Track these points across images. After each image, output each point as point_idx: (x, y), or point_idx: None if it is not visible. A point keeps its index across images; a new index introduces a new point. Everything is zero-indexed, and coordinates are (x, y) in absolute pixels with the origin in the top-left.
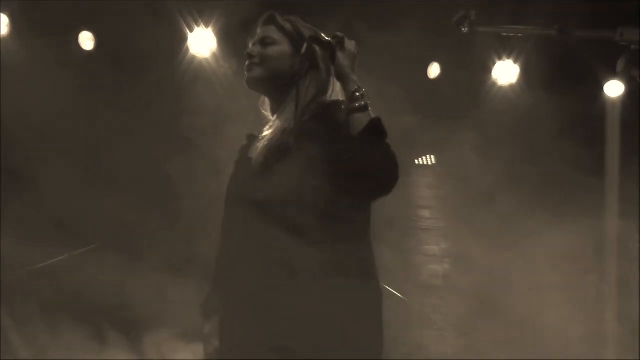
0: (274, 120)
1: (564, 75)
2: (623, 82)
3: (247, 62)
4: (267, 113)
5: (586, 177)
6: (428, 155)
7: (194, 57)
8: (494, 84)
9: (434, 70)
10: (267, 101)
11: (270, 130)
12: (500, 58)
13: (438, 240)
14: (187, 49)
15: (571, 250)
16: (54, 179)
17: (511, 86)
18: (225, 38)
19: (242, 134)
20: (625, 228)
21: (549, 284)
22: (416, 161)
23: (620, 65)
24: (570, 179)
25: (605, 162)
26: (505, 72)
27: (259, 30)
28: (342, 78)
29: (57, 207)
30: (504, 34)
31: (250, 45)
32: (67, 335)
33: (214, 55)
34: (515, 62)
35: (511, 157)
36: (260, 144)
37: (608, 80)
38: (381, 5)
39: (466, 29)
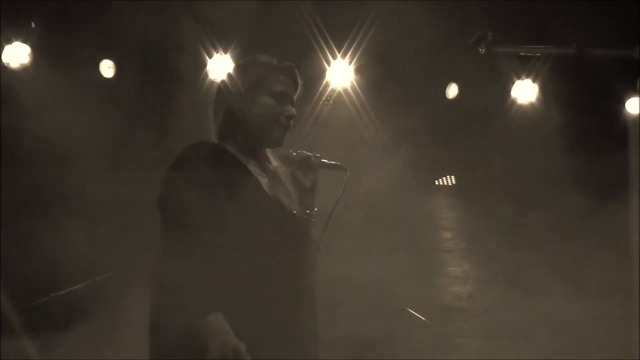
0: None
1: (584, 93)
2: None
3: (289, 122)
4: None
5: (607, 196)
6: (448, 176)
7: (212, 82)
8: (513, 102)
9: (452, 91)
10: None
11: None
12: (519, 77)
13: (460, 261)
14: (207, 75)
15: (593, 276)
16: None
17: (531, 105)
18: None
19: None
20: None
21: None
22: (436, 182)
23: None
24: (590, 198)
25: (629, 177)
26: (525, 91)
27: (282, 86)
28: None
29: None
30: (522, 54)
31: (290, 108)
32: None
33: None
34: (534, 81)
35: (533, 176)
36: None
37: (629, 98)
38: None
39: (483, 50)
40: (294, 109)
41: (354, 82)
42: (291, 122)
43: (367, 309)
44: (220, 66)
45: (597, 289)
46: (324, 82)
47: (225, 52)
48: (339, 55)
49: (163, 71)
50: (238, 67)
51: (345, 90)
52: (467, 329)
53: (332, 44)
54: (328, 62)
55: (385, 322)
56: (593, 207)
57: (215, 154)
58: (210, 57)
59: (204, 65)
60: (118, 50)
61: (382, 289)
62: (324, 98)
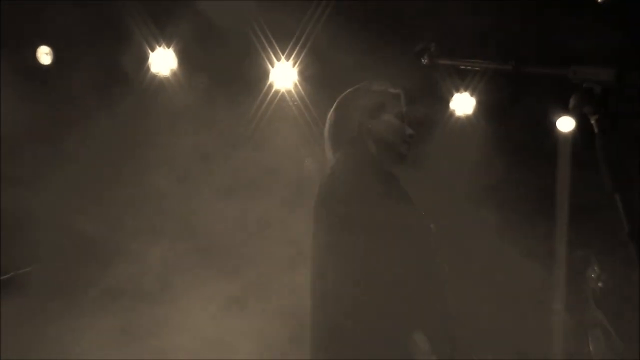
0: None
1: (519, 109)
2: (574, 118)
3: (411, 140)
4: None
5: (539, 207)
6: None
7: (154, 76)
8: (452, 114)
9: None
10: None
11: None
12: (457, 90)
13: None
14: (149, 68)
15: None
16: None
17: (467, 117)
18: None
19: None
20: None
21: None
22: None
23: (572, 102)
24: (521, 209)
25: (556, 193)
26: (463, 104)
27: (401, 108)
28: None
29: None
30: (462, 67)
31: (409, 128)
32: None
33: (175, 74)
34: (471, 94)
35: (467, 187)
36: None
37: (560, 116)
38: (344, 29)
39: (426, 61)
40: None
41: (298, 84)
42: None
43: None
44: (164, 60)
45: (521, 297)
46: (268, 84)
47: (168, 47)
48: (282, 57)
49: (103, 62)
50: (356, 93)
51: (289, 92)
52: None
53: (275, 45)
54: (272, 64)
55: None
56: (517, 219)
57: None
58: (153, 50)
59: (146, 57)
60: (57, 36)
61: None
62: (267, 99)
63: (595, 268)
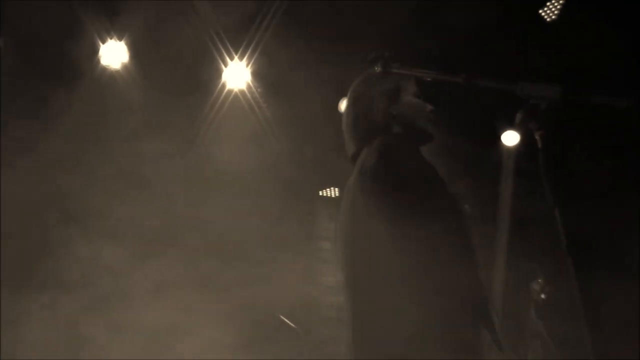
0: None
1: (467, 121)
2: (519, 133)
3: (434, 117)
4: None
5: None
6: (332, 188)
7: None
8: None
9: (345, 105)
10: None
11: None
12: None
13: (336, 272)
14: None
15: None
16: None
17: None
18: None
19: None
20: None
21: None
22: (320, 192)
23: (518, 117)
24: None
25: (499, 206)
26: None
27: (417, 86)
28: None
29: None
30: (414, 76)
31: (428, 105)
32: None
33: (126, 67)
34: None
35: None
36: None
37: (506, 130)
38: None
39: (379, 69)
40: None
41: (251, 84)
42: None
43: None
44: (115, 53)
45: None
46: (221, 83)
47: (120, 40)
48: (236, 57)
49: (53, 53)
50: (368, 82)
51: (242, 92)
52: (337, 337)
53: (228, 44)
54: (225, 63)
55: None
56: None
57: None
58: (104, 42)
59: (97, 50)
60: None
61: (255, 294)
62: (220, 98)
63: (540, 280)
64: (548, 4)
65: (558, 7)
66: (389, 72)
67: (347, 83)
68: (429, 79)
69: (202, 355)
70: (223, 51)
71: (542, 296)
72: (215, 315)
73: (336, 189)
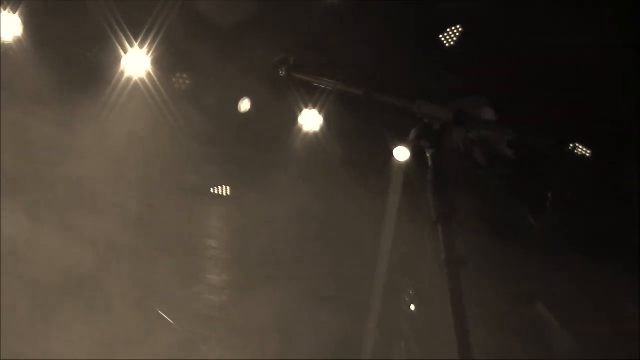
0: None
1: (364, 133)
2: (411, 149)
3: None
4: None
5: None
6: (224, 186)
7: None
8: (300, 129)
9: (245, 105)
10: None
11: None
12: (307, 106)
13: (221, 271)
14: None
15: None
16: None
17: (315, 134)
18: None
19: None
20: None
21: None
22: (212, 190)
23: (412, 133)
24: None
25: (385, 216)
26: (310, 121)
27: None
28: None
29: None
30: (315, 85)
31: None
32: None
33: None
34: (319, 112)
35: (311, 201)
36: None
37: (398, 145)
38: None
39: (283, 73)
40: None
41: (151, 73)
42: None
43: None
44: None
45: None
46: (120, 70)
47: (14, 12)
48: (136, 44)
49: None
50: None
51: (142, 80)
52: (212, 337)
53: (128, 32)
54: (125, 50)
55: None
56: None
57: None
58: None
59: None
60: None
61: (140, 291)
62: (119, 86)
63: (411, 292)
64: (448, 30)
65: (457, 34)
66: (292, 77)
67: (249, 89)
68: (330, 89)
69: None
70: (123, 38)
71: (412, 307)
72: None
73: (228, 187)
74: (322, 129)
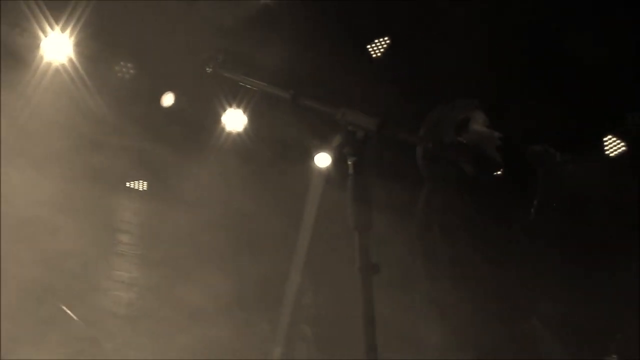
0: None
1: (288, 137)
2: (332, 156)
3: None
4: None
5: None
6: (140, 181)
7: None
8: (223, 128)
9: (167, 99)
10: None
11: None
12: (231, 105)
13: (130, 267)
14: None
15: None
16: None
17: (238, 134)
18: None
19: None
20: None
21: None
22: (127, 184)
23: (335, 140)
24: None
25: (302, 220)
26: (234, 120)
27: (485, 117)
28: None
29: None
30: (242, 84)
31: (496, 132)
32: None
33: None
34: (244, 112)
35: (228, 201)
36: None
37: (319, 151)
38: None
39: (210, 69)
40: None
41: (73, 58)
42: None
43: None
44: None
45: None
46: (39, 55)
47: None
48: (57, 27)
49: None
50: (441, 113)
51: (63, 65)
52: (117, 334)
53: (49, 14)
54: (45, 33)
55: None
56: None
57: None
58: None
59: None
60: None
61: (43, 285)
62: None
63: (310, 294)
64: (375, 41)
65: (384, 45)
66: (219, 74)
67: (173, 83)
68: (255, 89)
69: None
70: (44, 20)
71: (312, 310)
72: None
73: (144, 182)
74: (245, 129)
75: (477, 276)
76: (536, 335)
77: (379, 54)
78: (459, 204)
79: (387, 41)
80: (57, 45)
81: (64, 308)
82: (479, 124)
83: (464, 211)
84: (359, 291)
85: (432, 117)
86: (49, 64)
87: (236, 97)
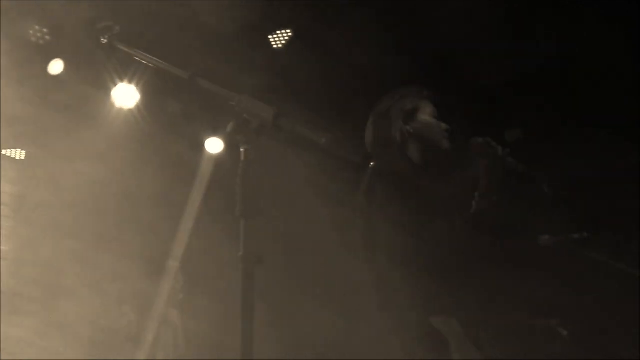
0: None
1: (181, 119)
2: (225, 143)
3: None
4: None
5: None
6: (18, 150)
7: None
8: (113, 103)
9: (56, 66)
10: None
11: None
12: (122, 80)
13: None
14: None
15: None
16: None
17: (129, 110)
18: None
19: None
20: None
21: None
22: (4, 152)
23: (230, 127)
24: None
25: (186, 206)
26: (124, 96)
27: (433, 107)
28: None
29: None
30: (138, 59)
31: (443, 124)
32: None
33: None
34: (137, 88)
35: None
36: None
37: (211, 137)
38: None
39: (105, 40)
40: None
41: None
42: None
43: None
44: None
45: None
46: None
47: None
48: None
49: None
50: (389, 102)
51: None
52: None
53: None
54: None
55: None
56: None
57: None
58: None
59: None
60: None
61: None
62: None
63: (180, 279)
64: (277, 32)
65: (286, 37)
66: (114, 47)
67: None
68: (151, 66)
69: None
70: None
71: (180, 296)
72: None
73: (22, 150)
74: (137, 106)
75: (413, 261)
76: (449, 332)
77: (280, 46)
78: (401, 190)
79: (289, 33)
80: None
81: None
82: (426, 114)
83: (406, 199)
84: (239, 281)
85: (380, 107)
86: None
87: (130, 72)
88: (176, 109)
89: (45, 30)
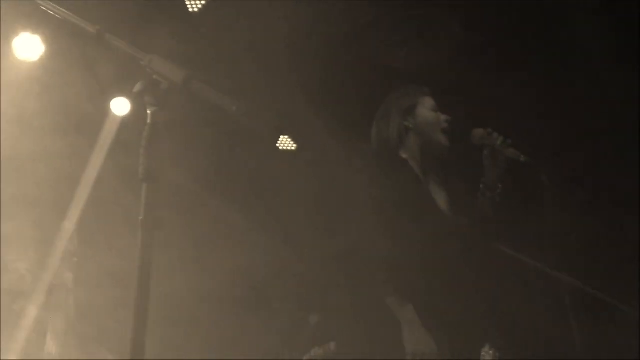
0: None
1: (86, 75)
2: (132, 104)
3: (449, 128)
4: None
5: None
6: None
7: None
8: (13, 54)
9: None
10: None
11: None
12: (27, 30)
13: None
14: None
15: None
16: None
17: (32, 62)
18: None
19: None
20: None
21: None
22: None
23: (137, 87)
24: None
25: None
26: (29, 46)
27: (433, 102)
28: None
29: None
30: (43, 8)
31: (444, 115)
32: None
33: None
34: (42, 40)
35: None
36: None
37: (116, 97)
38: None
39: None
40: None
41: None
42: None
43: None
44: None
45: None
46: None
47: None
48: None
49: None
50: (391, 101)
51: None
52: None
53: None
54: None
55: None
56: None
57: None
58: None
59: None
60: None
61: None
62: None
63: (75, 242)
64: None
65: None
66: None
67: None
68: (58, 17)
69: None
70: None
71: (75, 259)
72: None
73: None
74: (41, 58)
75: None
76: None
77: (195, 9)
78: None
79: None
80: None
81: None
82: (426, 108)
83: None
84: (137, 244)
85: (381, 110)
86: None
87: (34, 22)
88: (82, 65)
89: None
